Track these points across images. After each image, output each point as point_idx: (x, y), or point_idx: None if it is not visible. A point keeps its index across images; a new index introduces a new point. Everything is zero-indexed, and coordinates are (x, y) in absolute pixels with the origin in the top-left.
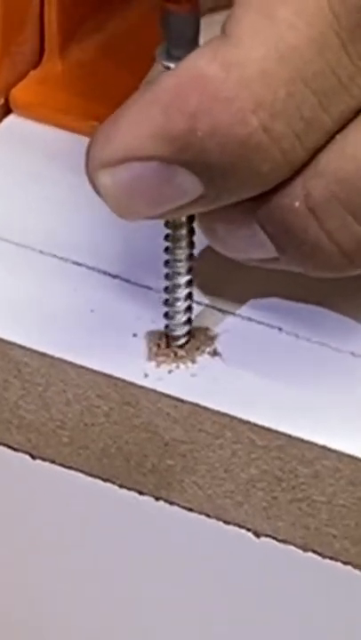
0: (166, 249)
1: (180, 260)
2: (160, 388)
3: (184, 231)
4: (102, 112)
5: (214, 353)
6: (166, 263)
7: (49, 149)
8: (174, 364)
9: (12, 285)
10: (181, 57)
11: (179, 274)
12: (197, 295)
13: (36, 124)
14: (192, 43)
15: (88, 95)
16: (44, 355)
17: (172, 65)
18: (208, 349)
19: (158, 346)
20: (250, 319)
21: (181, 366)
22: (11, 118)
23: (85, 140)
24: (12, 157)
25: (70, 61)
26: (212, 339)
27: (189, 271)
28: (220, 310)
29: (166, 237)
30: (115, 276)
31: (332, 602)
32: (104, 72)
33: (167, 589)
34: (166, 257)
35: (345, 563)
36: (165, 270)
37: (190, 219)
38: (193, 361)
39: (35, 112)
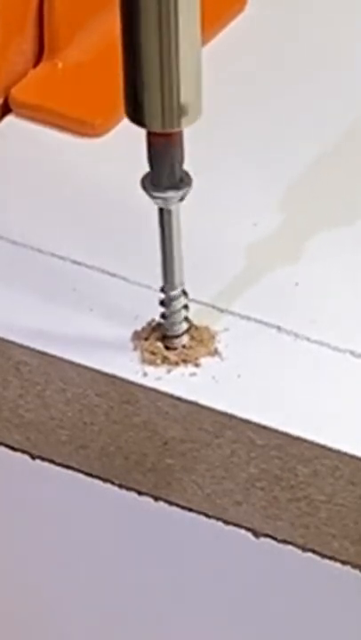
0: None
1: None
2: (159, 387)
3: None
4: (101, 112)
5: (214, 352)
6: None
7: (48, 149)
8: (173, 363)
9: (11, 284)
10: (169, 185)
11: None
12: (197, 294)
13: (36, 124)
14: (178, 170)
15: (87, 95)
16: (43, 353)
17: (158, 194)
18: (207, 348)
19: (157, 345)
20: (249, 318)
21: (180, 365)
22: (10, 118)
23: (85, 140)
24: (12, 157)
25: (70, 61)
26: (212, 338)
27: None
28: (219, 310)
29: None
30: (113, 275)
31: (332, 602)
32: (104, 72)
33: (167, 589)
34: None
35: (344, 562)
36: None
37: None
38: (192, 360)
39: (34, 112)
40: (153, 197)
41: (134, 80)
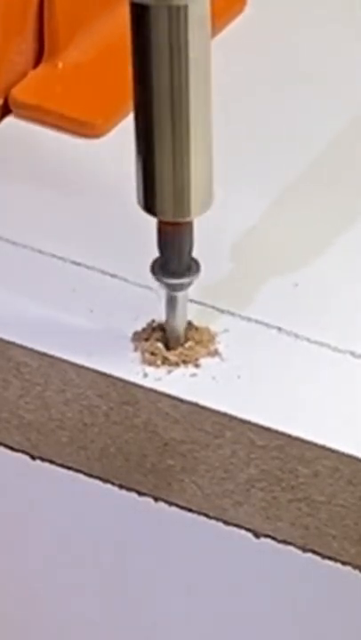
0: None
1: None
2: (159, 388)
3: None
4: (101, 112)
5: (214, 353)
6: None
7: (48, 149)
8: (174, 364)
9: (11, 285)
10: (177, 271)
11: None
12: (197, 295)
13: (36, 125)
14: (187, 258)
15: (87, 95)
16: (43, 354)
17: (165, 280)
18: (208, 349)
19: (157, 345)
20: (250, 319)
21: (181, 366)
22: (10, 118)
23: (84, 141)
24: (11, 157)
25: (70, 62)
26: (212, 338)
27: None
28: (220, 310)
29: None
30: (113, 276)
31: (332, 602)
32: (103, 72)
33: (167, 589)
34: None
35: (344, 563)
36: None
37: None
38: (192, 360)
39: (34, 112)
40: (160, 282)
41: (147, 171)
